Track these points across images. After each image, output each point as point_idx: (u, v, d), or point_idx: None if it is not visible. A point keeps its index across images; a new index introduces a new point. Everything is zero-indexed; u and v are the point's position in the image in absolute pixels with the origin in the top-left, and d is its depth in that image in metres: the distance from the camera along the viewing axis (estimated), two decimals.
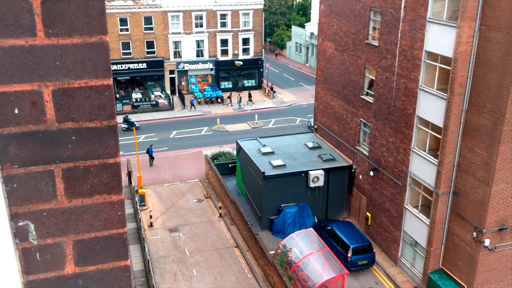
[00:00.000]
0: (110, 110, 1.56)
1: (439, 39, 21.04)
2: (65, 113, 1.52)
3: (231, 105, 51.87)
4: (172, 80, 54.95)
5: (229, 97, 52.73)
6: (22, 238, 1.59)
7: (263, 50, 58.78)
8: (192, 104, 50.50)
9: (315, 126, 34.38)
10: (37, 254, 1.62)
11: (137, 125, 45.74)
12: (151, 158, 37.48)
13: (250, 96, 53.22)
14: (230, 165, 35.00)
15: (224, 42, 55.19)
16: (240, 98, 51.93)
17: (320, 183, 28.70)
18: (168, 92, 53.84)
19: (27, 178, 1.54)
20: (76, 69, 1.50)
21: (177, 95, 54.47)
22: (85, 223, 1.65)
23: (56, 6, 1.43)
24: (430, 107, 22.12)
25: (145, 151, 38.02)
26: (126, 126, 44.97)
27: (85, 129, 1.55)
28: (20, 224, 1.58)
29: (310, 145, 31.81)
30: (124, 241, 1.72)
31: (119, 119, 46.45)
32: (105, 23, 1.49)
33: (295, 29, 73.65)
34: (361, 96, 27.80)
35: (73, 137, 1.55)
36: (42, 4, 1.42)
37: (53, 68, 1.48)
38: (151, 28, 52.03)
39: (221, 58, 55.55)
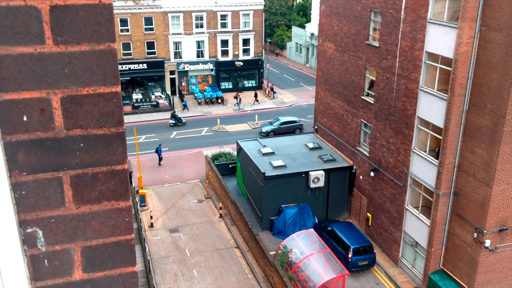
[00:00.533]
0: (118, 117, 1.56)
1: (440, 40, 21.04)
2: (73, 120, 1.53)
3: (238, 105, 51.87)
4: (172, 80, 54.97)
5: (236, 97, 52.71)
6: (30, 244, 1.60)
7: (264, 50, 58.80)
8: (185, 105, 50.50)
9: (315, 127, 34.38)
10: (45, 260, 1.62)
11: (184, 121, 46.56)
12: (160, 157, 37.61)
13: (256, 95, 53.43)
14: (230, 166, 35.00)
15: (225, 43, 55.21)
16: (240, 99, 51.91)
17: (321, 183, 28.69)
18: (169, 92, 53.86)
19: (36, 185, 1.55)
20: (84, 77, 1.50)
21: (177, 95, 54.50)
22: (93, 230, 1.65)
23: (65, 13, 1.44)
24: (430, 108, 22.12)
25: (154, 151, 38.22)
26: (173, 121, 46.01)
27: (93, 136, 1.56)
28: (29, 230, 1.58)
29: (311, 145, 31.80)
30: (131, 247, 1.73)
31: (167, 115, 47.68)
32: (113, 30, 1.49)
33: (295, 30, 73.66)
34: (362, 97, 27.80)
35: (81, 144, 1.55)
36: (51, 11, 1.43)
37: (62, 76, 1.48)
38: (152, 29, 52.06)
39: (221, 58, 55.57)
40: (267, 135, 41.88)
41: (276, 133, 41.81)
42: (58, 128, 1.52)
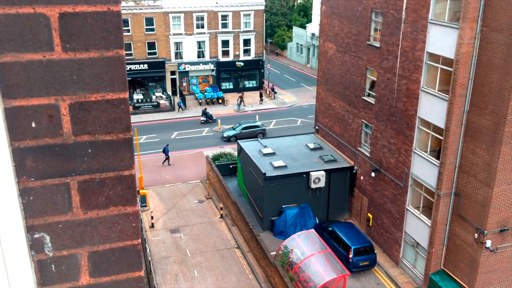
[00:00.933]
0: (125, 123, 1.57)
1: (441, 41, 21.04)
2: (81, 127, 1.53)
3: (244, 105, 51.93)
4: (173, 81, 55.00)
5: (241, 97, 52.73)
6: (37, 250, 1.60)
7: (264, 51, 58.78)
8: (180, 106, 50.47)
9: (316, 127, 34.39)
10: (53, 265, 1.63)
11: (215, 118, 47.27)
12: (167, 157, 37.80)
13: (261, 95, 53.66)
14: (231, 166, 35.02)
15: (225, 43, 55.23)
16: (240, 100, 51.85)
17: (321, 184, 28.69)
18: (169, 93, 53.89)
19: (43, 190, 1.55)
20: (92, 83, 1.51)
21: (178, 96, 54.52)
22: (100, 235, 1.66)
23: (74, 21, 1.45)
24: (431, 108, 22.12)
25: (161, 150, 38.45)
26: (204, 119, 46.93)
27: (101, 142, 1.56)
28: (36, 236, 1.59)
29: (311, 146, 31.81)
30: (138, 252, 1.73)
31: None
32: (122, 37, 1.49)
33: (296, 30, 73.66)
34: (363, 97, 27.80)
35: (89, 150, 1.56)
36: (60, 19, 1.43)
37: (70, 82, 1.49)
38: (152, 29, 52.09)
39: (222, 59, 55.59)
40: (228, 140, 41.76)
41: (238, 138, 41.18)
42: (66, 134, 1.53)
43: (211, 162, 34.35)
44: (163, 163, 37.97)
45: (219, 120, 46.59)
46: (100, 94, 1.52)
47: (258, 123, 44.05)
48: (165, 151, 37.70)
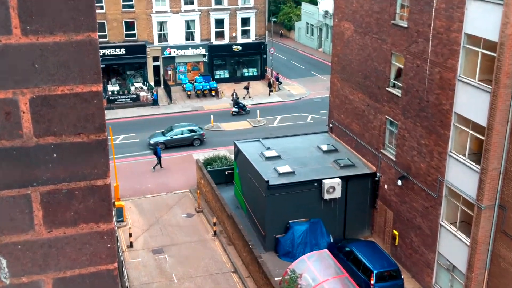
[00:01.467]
0: (99, 122, 1.57)
1: (482, 20, 21.06)
2: (45, 126, 1.53)
3: (250, 98, 51.98)
4: (156, 68, 55.12)
5: (246, 87, 52.62)
6: None
7: (267, 32, 58.83)
8: (156, 100, 50.40)
9: (330, 125, 34.46)
10: None
11: (248, 109, 48.24)
12: (159, 159, 38.25)
13: (270, 85, 54.03)
14: (226, 172, 35.08)
15: (220, 23, 55.32)
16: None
17: (337, 194, 28.72)
18: (152, 83, 54.00)
19: None
20: (58, 73, 1.51)
21: (162, 87, 54.64)
22: (68, 258, 1.66)
23: None
24: (470, 102, 22.15)
25: (153, 152, 38.95)
26: (236, 109, 47.75)
27: (69, 144, 1.56)
28: None
29: (325, 148, 31.87)
30: (114, 279, 1.74)
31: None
32: (95, 17, 1.50)
33: (305, 7, 73.80)
34: (387, 89, 27.86)
35: (55, 155, 1.56)
36: None
37: (32, 72, 1.49)
38: (131, 6, 52.20)
39: (215, 42, 55.71)
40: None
41: (168, 145, 41.07)
42: (27, 136, 1.53)
43: (203, 168, 34.40)
44: (160, 166, 38.33)
45: (212, 117, 46.64)
46: (68, 86, 1.53)
47: (194, 127, 43.00)
48: (157, 152, 37.96)
